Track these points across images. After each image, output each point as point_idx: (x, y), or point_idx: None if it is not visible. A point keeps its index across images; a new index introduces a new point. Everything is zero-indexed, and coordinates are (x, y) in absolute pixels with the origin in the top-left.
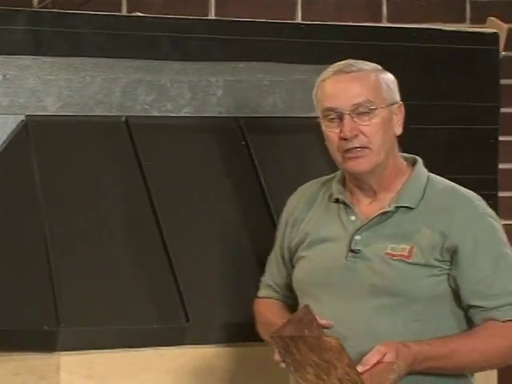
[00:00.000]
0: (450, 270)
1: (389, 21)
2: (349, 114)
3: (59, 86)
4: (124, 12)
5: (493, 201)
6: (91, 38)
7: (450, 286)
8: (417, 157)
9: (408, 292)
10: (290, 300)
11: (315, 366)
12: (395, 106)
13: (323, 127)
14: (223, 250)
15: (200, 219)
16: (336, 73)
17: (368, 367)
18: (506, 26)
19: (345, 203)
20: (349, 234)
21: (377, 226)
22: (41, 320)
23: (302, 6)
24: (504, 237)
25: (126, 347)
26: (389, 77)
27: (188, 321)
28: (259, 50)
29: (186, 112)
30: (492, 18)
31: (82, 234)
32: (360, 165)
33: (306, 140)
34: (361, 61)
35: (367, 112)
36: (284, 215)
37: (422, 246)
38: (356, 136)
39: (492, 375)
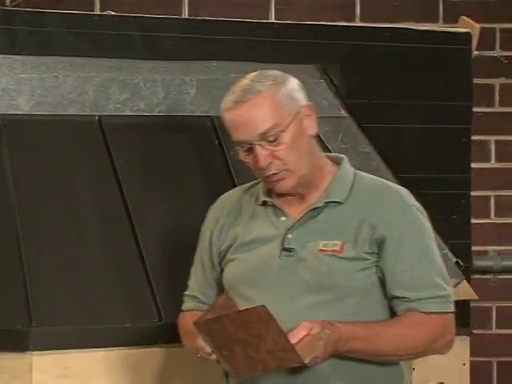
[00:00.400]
0: (377, 261)
1: (362, 20)
2: (258, 144)
3: (32, 85)
4: (97, 11)
5: (466, 200)
6: (64, 37)
7: (379, 278)
8: (342, 155)
9: (341, 287)
10: None
11: (243, 343)
12: (302, 110)
13: (239, 154)
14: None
15: (173, 218)
16: (236, 103)
17: (296, 340)
18: (478, 26)
19: (273, 205)
20: (281, 234)
21: (308, 223)
22: (13, 319)
23: (275, 5)
24: (430, 230)
25: (99, 347)
26: (288, 87)
27: (161, 320)
28: (232, 50)
29: (159, 111)
30: (465, 17)
31: (55, 232)
32: (283, 185)
33: None
34: (258, 79)
35: (276, 137)
36: (207, 225)
37: (353, 239)
38: (271, 163)
39: (465, 375)
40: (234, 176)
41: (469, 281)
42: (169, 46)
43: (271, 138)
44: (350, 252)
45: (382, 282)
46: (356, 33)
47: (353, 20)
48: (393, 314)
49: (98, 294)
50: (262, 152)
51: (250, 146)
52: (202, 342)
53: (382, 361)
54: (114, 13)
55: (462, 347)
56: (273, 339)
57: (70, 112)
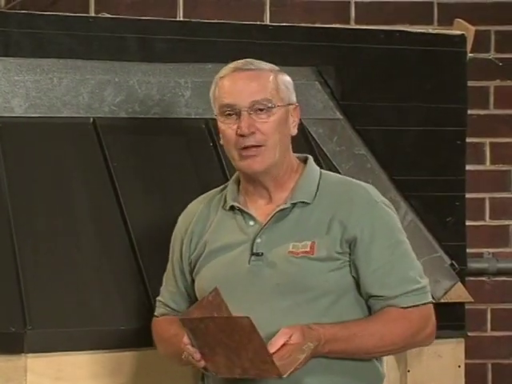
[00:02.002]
0: (349, 260)
1: (357, 23)
2: (246, 111)
3: (26, 87)
4: (91, 13)
5: (460, 202)
6: (58, 39)
7: (353, 277)
8: (307, 155)
9: (315, 288)
10: None
11: (225, 347)
12: (292, 106)
13: (220, 124)
14: None
15: (168, 220)
16: (235, 70)
17: (275, 349)
18: (473, 28)
19: (241, 209)
20: (249, 239)
21: (276, 225)
22: (7, 321)
23: (270, 7)
24: (399, 224)
25: (94, 349)
26: (286, 78)
27: None
28: (227, 52)
29: (154, 113)
30: (459, 19)
31: (50, 235)
32: (255, 164)
33: None
34: (259, 60)
35: (265, 110)
36: (177, 233)
37: (323, 239)
38: (253, 133)
39: (460, 377)
40: (229, 178)
41: (464, 283)
42: (164, 48)
43: (261, 107)
44: (322, 252)
45: (357, 282)
46: (351, 35)
47: (348, 22)
48: (370, 311)
49: (93, 297)
50: (248, 119)
51: (236, 111)
52: (186, 340)
53: (363, 358)
54: (108, 15)
55: (457, 349)
56: (254, 350)
57: (65, 114)
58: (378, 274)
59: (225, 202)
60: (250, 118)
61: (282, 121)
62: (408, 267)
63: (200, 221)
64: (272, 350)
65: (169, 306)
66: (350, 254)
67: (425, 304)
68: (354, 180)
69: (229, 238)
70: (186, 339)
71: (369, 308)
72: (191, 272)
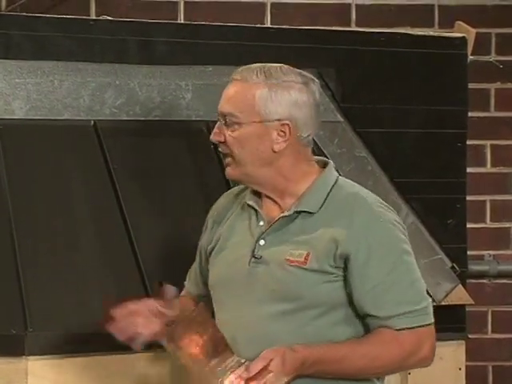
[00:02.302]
0: (344, 276)
1: (358, 25)
2: (219, 119)
3: (27, 89)
4: (92, 16)
5: (461, 204)
6: (59, 41)
7: (348, 293)
8: (328, 160)
9: (303, 298)
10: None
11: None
12: (274, 123)
13: None
14: (193, 255)
15: (168, 222)
16: (232, 76)
17: (252, 374)
18: (474, 31)
19: (254, 208)
20: (254, 239)
21: (278, 230)
22: (8, 324)
23: (270, 10)
24: (404, 244)
25: (94, 352)
26: (279, 94)
27: None
28: (228, 54)
29: (155, 116)
30: (460, 22)
31: (51, 237)
32: (228, 173)
33: None
34: (264, 70)
35: (228, 124)
36: (208, 218)
37: (318, 251)
38: (221, 142)
39: (460, 379)
40: (230, 181)
41: (464, 285)
42: (164, 51)
43: (227, 120)
44: (314, 264)
45: (351, 298)
46: (351, 37)
47: (348, 25)
48: (366, 329)
49: (94, 299)
50: (217, 128)
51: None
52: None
53: (352, 378)
54: (109, 17)
55: (457, 351)
56: None
57: (66, 116)
58: (372, 294)
59: (244, 198)
60: (220, 127)
61: (251, 137)
62: (405, 288)
63: (221, 214)
64: (251, 373)
65: (191, 285)
66: (344, 269)
67: (422, 326)
68: (363, 194)
69: (239, 236)
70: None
71: (365, 326)
72: (207, 260)
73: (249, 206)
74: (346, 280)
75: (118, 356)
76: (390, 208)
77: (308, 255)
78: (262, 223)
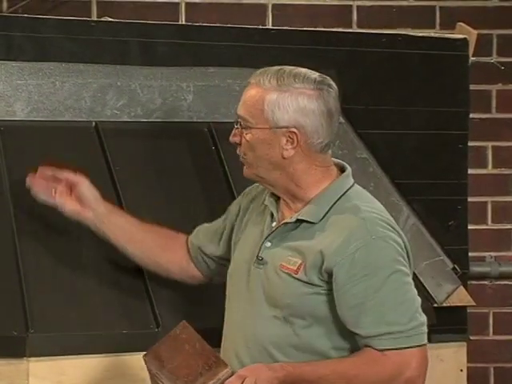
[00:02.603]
0: (331, 290)
1: (359, 26)
2: (236, 122)
3: (28, 91)
4: (94, 17)
5: (462, 206)
6: (61, 43)
7: (334, 307)
8: (346, 166)
9: (290, 306)
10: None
11: None
12: (282, 130)
13: None
14: None
15: (170, 224)
16: (249, 79)
17: None
18: (475, 32)
19: (270, 209)
20: (261, 240)
21: (282, 235)
22: (10, 325)
23: (272, 11)
24: (397, 264)
25: (96, 353)
26: (289, 101)
27: (158, 326)
28: (229, 55)
29: (157, 117)
30: (461, 23)
31: (52, 239)
32: (244, 171)
33: None
34: (275, 72)
35: (243, 127)
36: (240, 201)
37: (309, 262)
38: (237, 144)
39: (462, 381)
40: (232, 182)
41: (466, 287)
42: (166, 52)
43: (241, 123)
44: (303, 275)
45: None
46: (353, 39)
47: (350, 26)
48: (354, 344)
49: (95, 301)
50: (236, 129)
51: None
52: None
53: None
54: (110, 19)
55: (459, 353)
56: None
57: (67, 118)
58: (354, 312)
59: (264, 198)
60: (238, 129)
61: (261, 142)
62: (389, 309)
63: (247, 208)
64: None
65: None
66: (330, 284)
67: (408, 348)
68: (363, 208)
69: (253, 234)
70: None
71: (353, 341)
72: (228, 249)
73: (266, 206)
74: (333, 294)
75: (120, 358)
76: (392, 226)
77: (301, 265)
78: (274, 224)
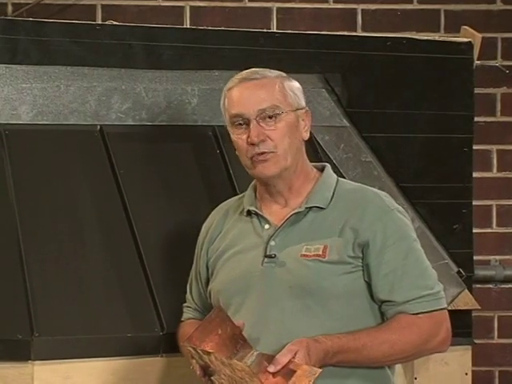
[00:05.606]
0: (362, 265)
1: (363, 30)
2: (255, 120)
3: (33, 94)
4: (98, 21)
5: (467, 209)
6: (66, 46)
7: (366, 282)
8: (326, 164)
9: (325, 290)
10: None
11: (228, 377)
12: (301, 111)
13: (231, 135)
14: None
15: (175, 227)
16: (241, 81)
17: (280, 367)
18: (480, 36)
19: (257, 213)
20: (264, 241)
21: (290, 228)
22: (14, 329)
23: (276, 15)
24: (413, 232)
25: (100, 356)
26: (293, 84)
27: (163, 330)
28: (234, 59)
29: (161, 121)
30: (466, 27)
31: (57, 242)
32: (268, 168)
33: None
34: (265, 68)
35: (273, 116)
36: (200, 238)
37: (335, 243)
38: (263, 141)
39: (466, 382)
40: (236, 185)
41: (471, 290)
42: (170, 56)
43: (269, 114)
44: (333, 256)
45: (370, 287)
46: (357, 42)
47: (354, 29)
48: (383, 317)
49: (100, 304)
50: (257, 128)
51: (245, 120)
52: (195, 365)
53: (375, 366)
54: (115, 22)
55: (464, 357)
56: None
57: (72, 121)
58: (389, 279)
59: (243, 208)
60: (258, 127)
61: (291, 126)
62: (420, 273)
63: (218, 227)
64: (276, 368)
65: (195, 309)
66: (362, 259)
67: (437, 310)
68: (369, 187)
69: (245, 242)
70: (195, 366)
71: (382, 314)
72: (207, 282)
73: (249, 212)
74: (363, 270)
75: (125, 361)
76: (392, 198)
77: (325, 248)
78: (267, 226)
